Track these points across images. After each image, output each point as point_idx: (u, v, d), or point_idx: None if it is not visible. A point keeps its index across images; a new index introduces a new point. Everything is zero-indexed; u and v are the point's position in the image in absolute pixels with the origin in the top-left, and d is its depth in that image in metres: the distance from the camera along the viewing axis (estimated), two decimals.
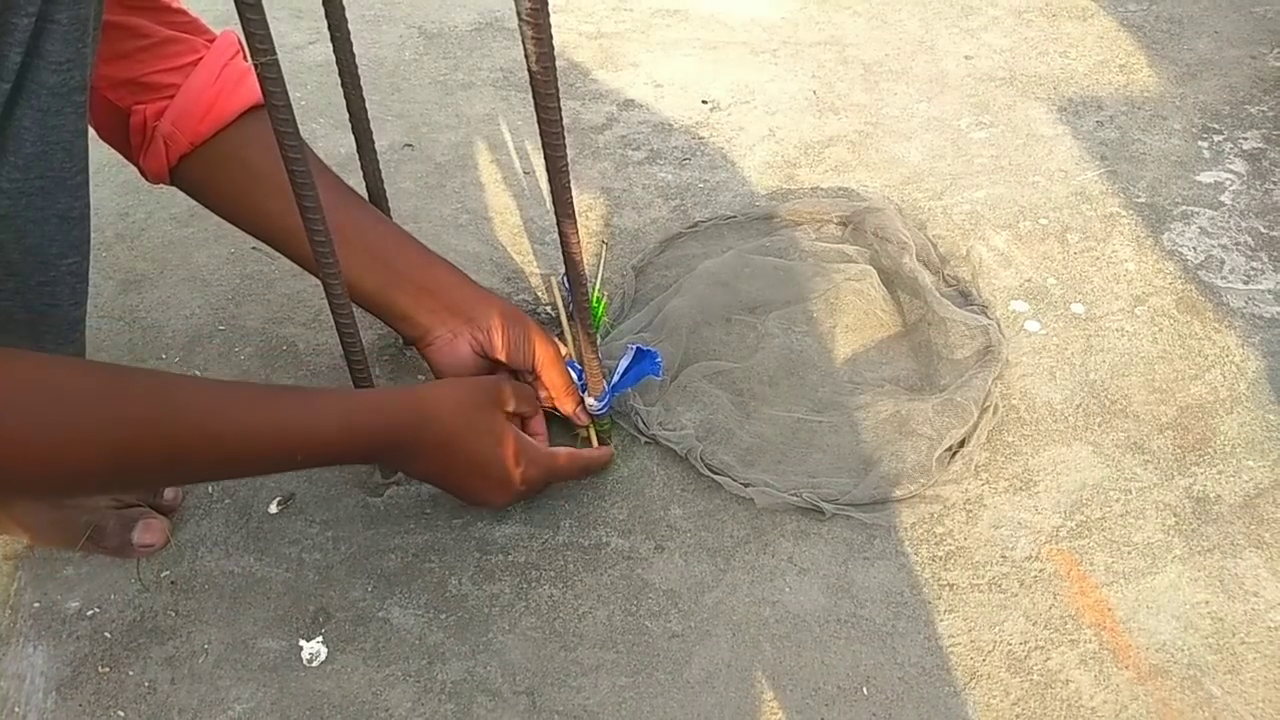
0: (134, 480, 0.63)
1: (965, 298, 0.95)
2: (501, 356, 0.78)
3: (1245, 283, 0.98)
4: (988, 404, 0.84)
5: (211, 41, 0.73)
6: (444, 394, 0.70)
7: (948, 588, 0.73)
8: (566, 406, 0.79)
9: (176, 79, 0.71)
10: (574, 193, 0.70)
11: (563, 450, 0.77)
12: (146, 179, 0.76)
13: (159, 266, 1.00)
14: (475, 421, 0.70)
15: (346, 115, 0.78)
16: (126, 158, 0.76)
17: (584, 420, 0.80)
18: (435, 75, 1.30)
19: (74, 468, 0.52)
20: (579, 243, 0.68)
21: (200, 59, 0.72)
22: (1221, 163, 1.13)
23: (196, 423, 0.57)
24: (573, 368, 0.80)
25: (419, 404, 0.68)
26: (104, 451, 0.53)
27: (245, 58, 0.75)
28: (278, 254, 0.80)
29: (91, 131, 0.68)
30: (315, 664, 0.69)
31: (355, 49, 0.75)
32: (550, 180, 0.64)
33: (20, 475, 0.51)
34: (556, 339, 0.82)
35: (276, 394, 0.64)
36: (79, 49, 0.55)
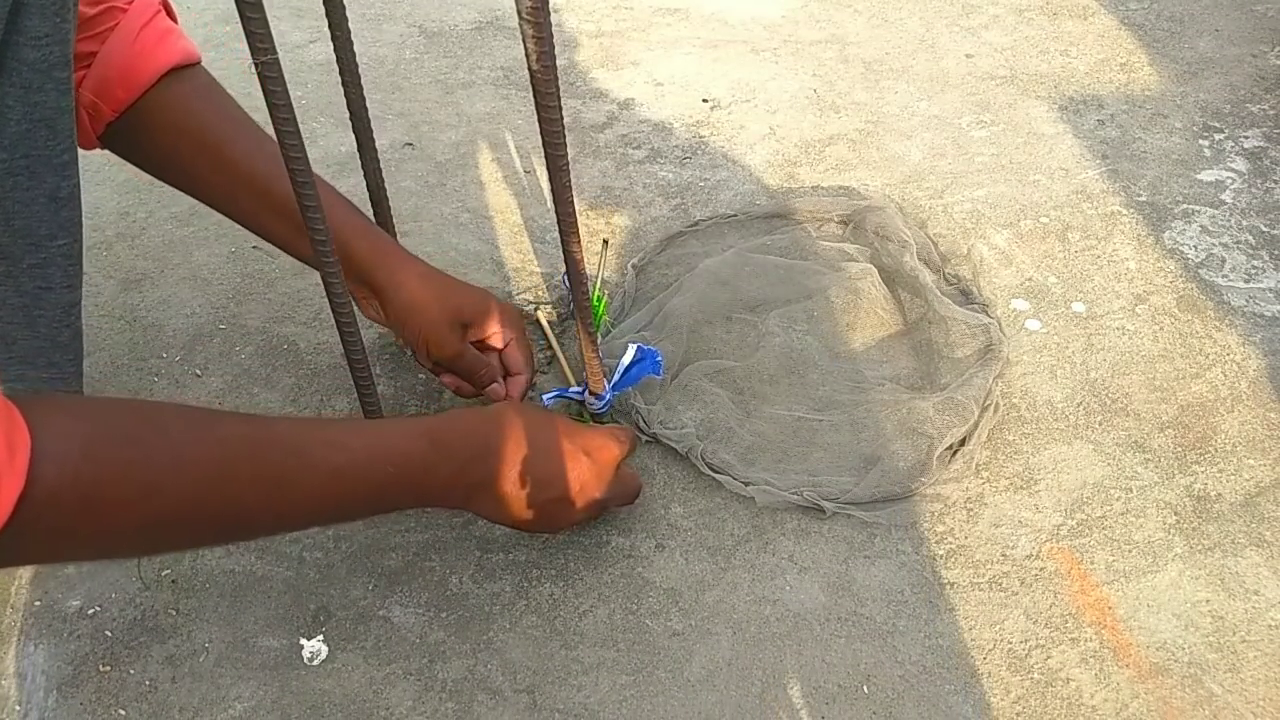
0: (240, 513, 0.56)
1: (966, 296, 0.95)
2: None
3: (1246, 281, 0.98)
4: (988, 402, 0.84)
5: (130, 3, 0.71)
6: (511, 403, 0.71)
7: (948, 586, 0.73)
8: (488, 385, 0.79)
9: (94, 46, 0.69)
10: (574, 191, 0.70)
11: (627, 473, 0.74)
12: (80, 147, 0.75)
13: (159, 265, 1.00)
14: (545, 421, 0.69)
15: (347, 114, 0.78)
16: None
17: (501, 394, 0.80)
18: (436, 74, 1.30)
19: (185, 497, 0.50)
20: (579, 241, 0.68)
21: (117, 24, 0.70)
22: (1222, 161, 1.13)
23: (290, 441, 0.56)
24: (565, 394, 0.80)
25: (491, 410, 0.68)
26: (206, 472, 0.51)
27: (170, 16, 0.74)
28: (278, 253, 0.80)
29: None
30: (316, 662, 0.69)
31: (356, 48, 0.75)
32: (551, 179, 0.64)
33: (113, 529, 0.48)
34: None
35: (349, 421, 0.65)
36: (58, 24, 0.55)
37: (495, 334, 0.80)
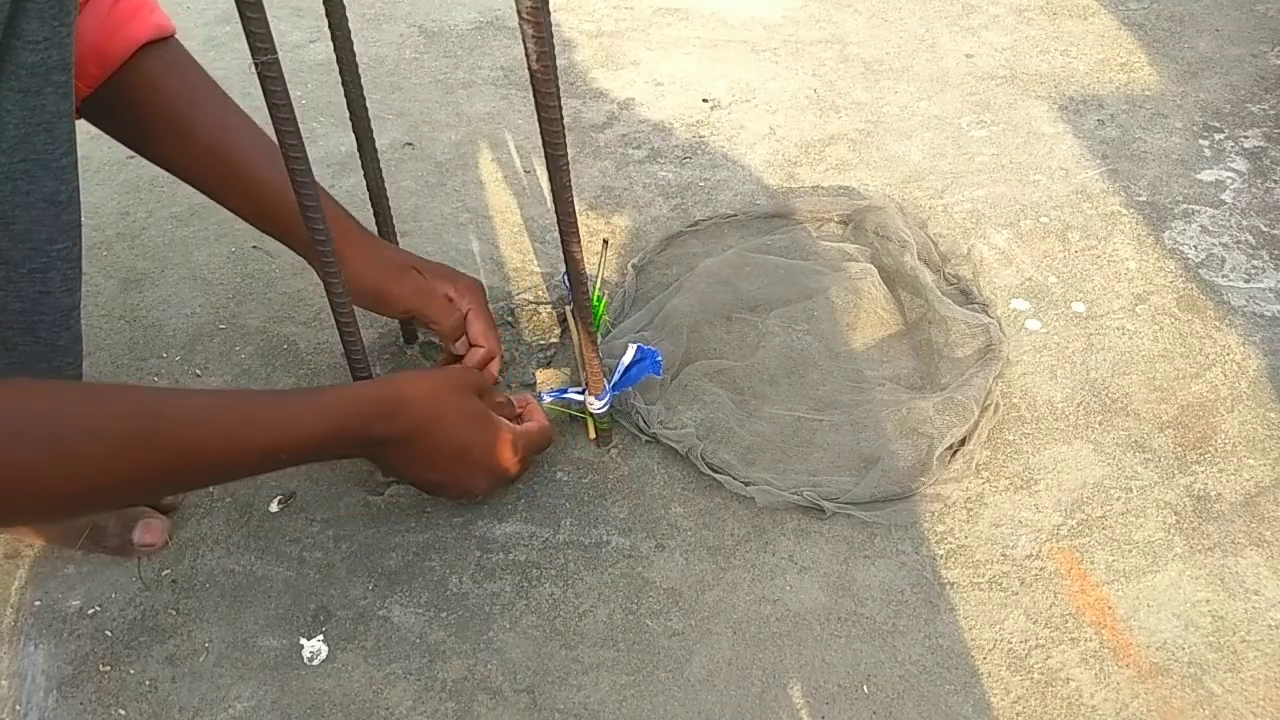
0: (122, 497, 0.62)
1: (966, 296, 0.95)
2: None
3: (1246, 281, 0.98)
4: (988, 402, 0.84)
5: None
6: (416, 377, 0.71)
7: (948, 586, 0.73)
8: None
9: None
10: (574, 191, 0.70)
11: (531, 425, 0.78)
12: None
13: (160, 265, 1.00)
14: (451, 404, 0.70)
15: (347, 114, 0.78)
16: None
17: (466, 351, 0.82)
18: (436, 74, 1.30)
19: (61, 491, 0.52)
20: (579, 241, 0.68)
21: (88, 2, 0.69)
22: (1222, 161, 1.13)
23: (178, 435, 0.57)
24: (562, 395, 0.81)
25: (392, 387, 0.69)
26: (91, 472, 0.53)
27: None
28: (278, 253, 0.80)
29: (84, 127, 0.67)
30: (316, 662, 0.69)
31: (356, 47, 0.75)
32: (551, 179, 0.64)
33: (8, 504, 0.51)
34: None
35: (253, 397, 0.65)
36: (56, 27, 0.55)
37: (451, 297, 0.81)
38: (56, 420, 0.52)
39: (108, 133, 0.77)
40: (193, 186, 0.78)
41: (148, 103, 0.73)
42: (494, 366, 0.84)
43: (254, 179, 0.75)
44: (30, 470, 0.50)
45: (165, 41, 0.74)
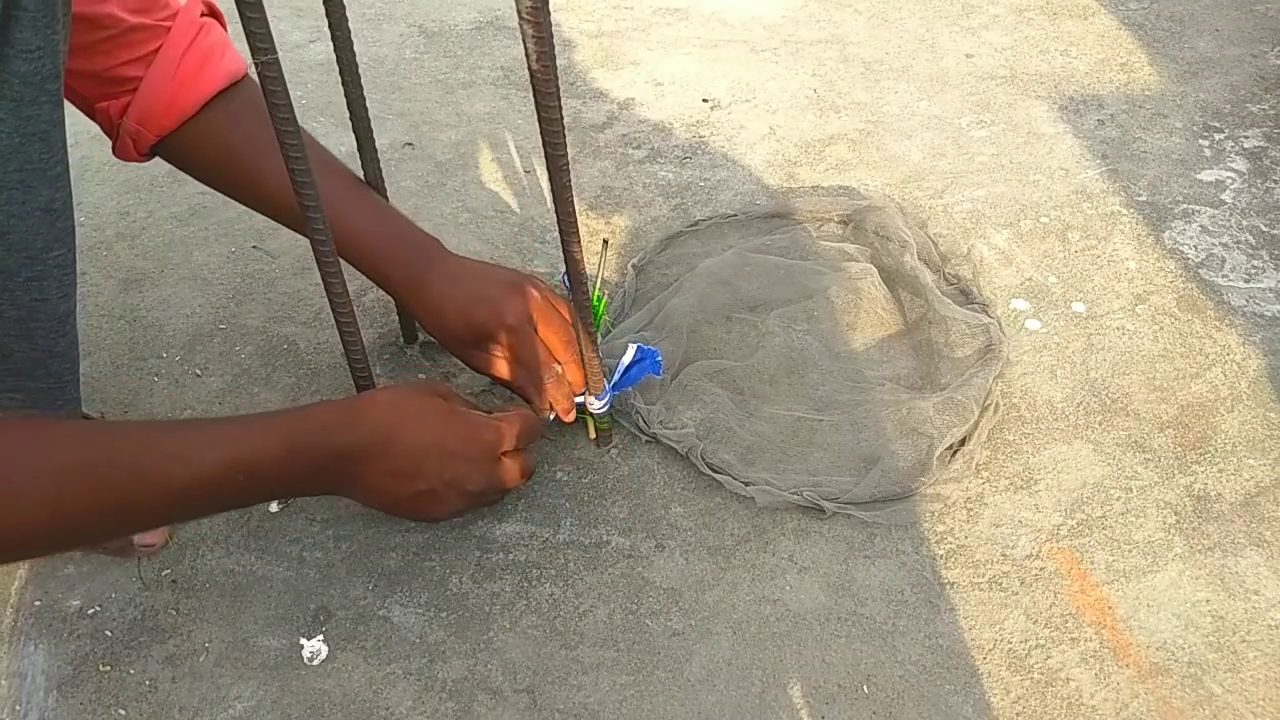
0: (79, 536, 0.58)
1: (966, 296, 0.95)
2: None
3: (1246, 281, 0.98)
4: (988, 402, 0.84)
5: (173, 18, 0.72)
6: (377, 393, 0.69)
7: (948, 586, 0.73)
8: (570, 366, 0.76)
9: (139, 70, 0.70)
10: (574, 191, 0.70)
11: (509, 413, 0.74)
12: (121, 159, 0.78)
13: (159, 265, 1.00)
14: (412, 404, 0.68)
15: (347, 114, 0.78)
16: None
17: (580, 388, 0.77)
18: (436, 74, 1.30)
19: (14, 526, 0.50)
20: (579, 241, 0.68)
21: (160, 47, 0.71)
22: (1222, 161, 1.13)
23: (131, 462, 0.55)
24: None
25: (348, 399, 0.68)
26: (40, 504, 0.51)
27: (219, 20, 0.75)
28: (278, 253, 0.80)
29: (75, 125, 0.67)
30: (316, 662, 0.69)
31: (356, 47, 0.75)
32: (551, 179, 0.64)
33: None
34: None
35: (210, 420, 0.63)
36: (49, 35, 0.55)
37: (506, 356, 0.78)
38: (3, 456, 0.50)
39: (181, 169, 0.79)
40: (272, 218, 0.80)
41: (216, 156, 0.75)
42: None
43: (339, 231, 0.74)
44: None
45: (237, 85, 0.75)
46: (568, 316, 0.77)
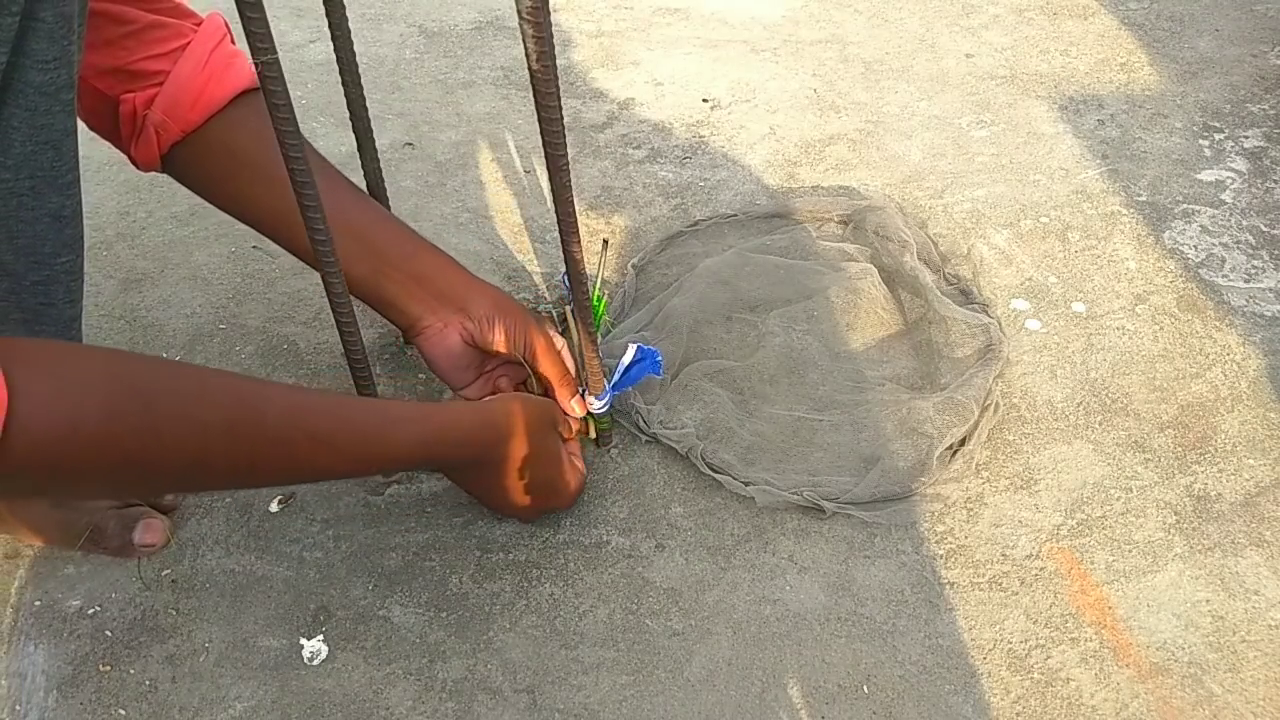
0: (204, 482, 0.61)
1: (966, 296, 0.95)
2: (501, 348, 0.77)
3: (1246, 281, 0.98)
4: (988, 402, 0.84)
5: (199, 24, 0.72)
6: (516, 413, 0.71)
7: (948, 586, 0.73)
8: (564, 396, 0.79)
9: (164, 65, 0.70)
10: (574, 191, 0.70)
11: (579, 464, 0.79)
12: (137, 167, 0.75)
13: (160, 265, 1.00)
14: (541, 444, 0.71)
15: (347, 114, 0.78)
16: (115, 145, 0.75)
17: (581, 410, 0.80)
18: (436, 74, 1.30)
19: (149, 465, 0.51)
20: (579, 241, 0.68)
21: (188, 44, 0.71)
22: (1222, 161, 1.13)
23: (275, 431, 0.56)
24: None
25: (494, 423, 0.69)
26: (181, 450, 0.52)
27: (232, 40, 0.75)
28: (278, 253, 0.80)
29: (84, 129, 0.67)
30: (316, 662, 0.69)
31: (356, 48, 0.75)
32: (551, 179, 0.64)
33: (95, 470, 0.49)
34: (552, 331, 0.82)
35: (355, 405, 0.64)
36: (64, 46, 0.55)
37: (497, 342, 0.79)
38: (155, 400, 0.51)
39: (187, 181, 0.78)
40: (274, 239, 0.79)
41: (244, 149, 0.74)
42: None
43: (362, 234, 0.75)
44: (124, 442, 0.49)
45: (258, 91, 0.75)
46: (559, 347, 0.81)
